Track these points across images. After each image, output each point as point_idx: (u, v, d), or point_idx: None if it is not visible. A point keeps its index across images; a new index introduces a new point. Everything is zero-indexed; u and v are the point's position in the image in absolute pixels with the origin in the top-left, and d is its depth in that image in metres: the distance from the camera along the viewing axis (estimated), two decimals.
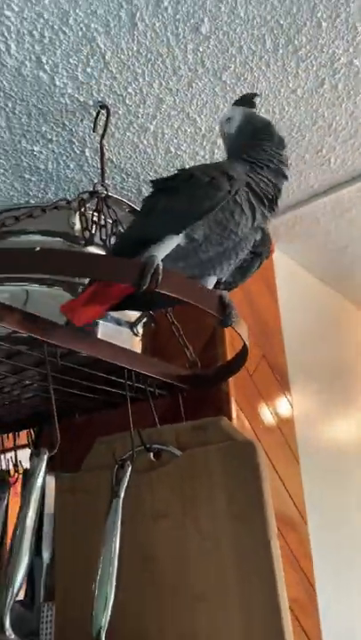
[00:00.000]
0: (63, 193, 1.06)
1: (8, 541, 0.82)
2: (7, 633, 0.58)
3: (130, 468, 0.76)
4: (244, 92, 0.86)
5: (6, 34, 0.74)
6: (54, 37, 0.75)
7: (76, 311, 0.67)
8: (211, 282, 0.68)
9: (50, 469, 0.89)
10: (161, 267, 0.58)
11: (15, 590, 0.60)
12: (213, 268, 0.67)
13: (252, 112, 0.73)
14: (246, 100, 0.73)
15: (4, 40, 0.75)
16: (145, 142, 0.95)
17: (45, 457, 0.69)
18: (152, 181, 0.70)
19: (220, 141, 0.95)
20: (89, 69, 0.81)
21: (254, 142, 0.69)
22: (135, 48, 0.78)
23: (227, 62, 0.81)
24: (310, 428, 1.23)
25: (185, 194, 0.63)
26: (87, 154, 0.97)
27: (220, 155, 0.98)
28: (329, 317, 1.48)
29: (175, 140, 0.95)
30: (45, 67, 0.80)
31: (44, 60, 0.79)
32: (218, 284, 0.70)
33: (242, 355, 0.80)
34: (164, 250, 0.60)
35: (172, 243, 0.61)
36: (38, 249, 0.55)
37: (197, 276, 0.68)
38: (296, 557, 1.01)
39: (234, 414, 0.98)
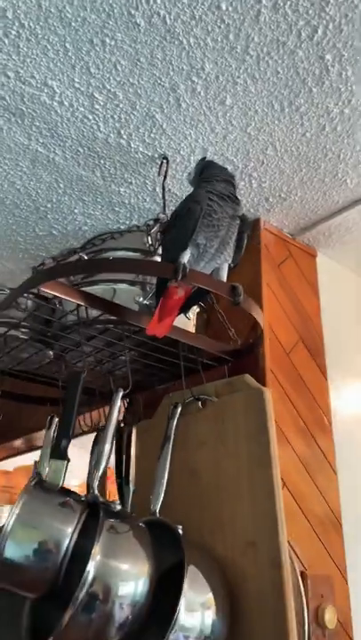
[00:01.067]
0: (143, 219, 1.43)
1: None
2: (95, 492, 0.95)
3: (180, 409, 1.09)
4: (266, 139, 1.18)
5: (97, 119, 1.13)
6: (128, 118, 1.13)
7: (157, 328, 0.95)
8: (225, 269, 1.00)
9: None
10: (188, 265, 0.91)
11: (99, 474, 0.97)
12: (222, 255, 0.99)
13: (198, 161, 1.11)
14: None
15: (96, 122, 1.14)
16: None
17: (120, 393, 1.05)
18: (162, 230, 1.05)
19: (254, 173, 1.27)
20: (152, 135, 1.17)
21: (204, 172, 1.06)
22: (182, 118, 1.13)
23: (248, 121, 1.13)
24: (347, 414, 1.47)
25: (178, 225, 0.98)
26: (157, 190, 1.33)
27: (245, 183, 1.30)
28: None
29: None
30: (123, 136, 1.17)
31: (122, 133, 1.16)
32: (229, 266, 1.02)
33: (260, 333, 1.10)
34: (185, 258, 0.94)
35: (188, 252, 0.95)
36: (111, 257, 0.91)
37: (217, 267, 1.00)
38: (331, 555, 1.25)
39: (268, 381, 1.26)
